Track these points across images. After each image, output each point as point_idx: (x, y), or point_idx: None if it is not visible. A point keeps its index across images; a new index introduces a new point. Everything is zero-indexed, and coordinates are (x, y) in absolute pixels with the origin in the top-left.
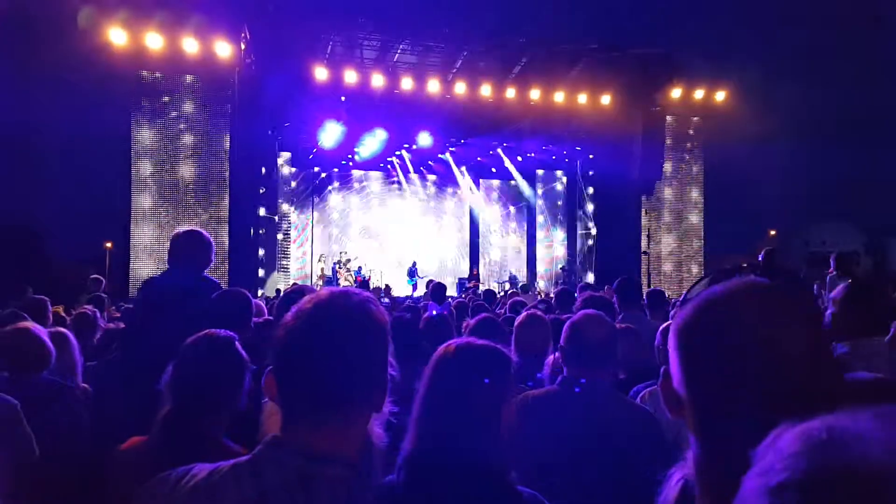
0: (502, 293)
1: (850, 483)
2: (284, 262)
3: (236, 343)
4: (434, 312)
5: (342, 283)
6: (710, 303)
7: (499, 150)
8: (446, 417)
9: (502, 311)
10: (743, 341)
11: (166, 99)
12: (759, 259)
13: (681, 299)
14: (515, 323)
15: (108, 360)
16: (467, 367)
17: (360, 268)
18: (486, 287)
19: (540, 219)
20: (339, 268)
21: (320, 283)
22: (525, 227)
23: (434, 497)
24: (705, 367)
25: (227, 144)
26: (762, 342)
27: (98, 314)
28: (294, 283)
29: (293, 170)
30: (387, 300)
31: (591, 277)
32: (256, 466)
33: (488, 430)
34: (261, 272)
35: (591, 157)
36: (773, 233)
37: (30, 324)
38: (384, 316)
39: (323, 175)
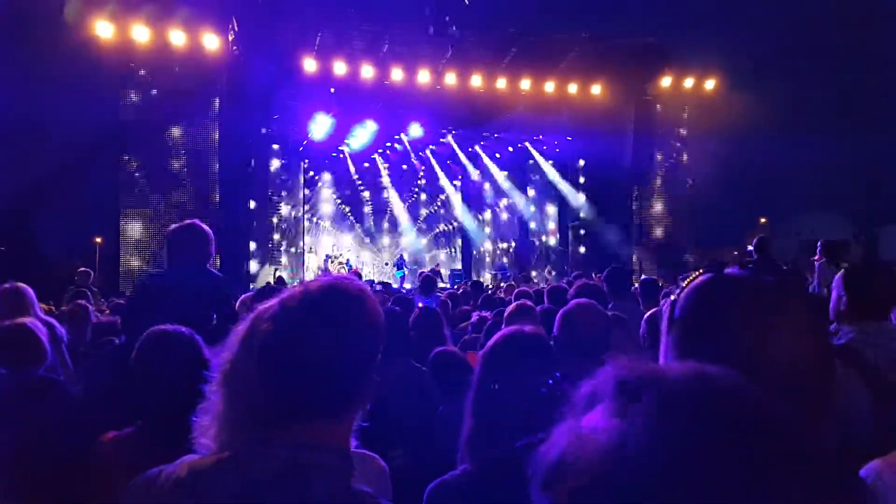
0: (504, 283)
1: None
2: (275, 256)
3: (194, 335)
4: (421, 305)
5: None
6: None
7: (489, 141)
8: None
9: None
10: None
11: (154, 92)
12: (752, 247)
13: (678, 289)
14: (505, 313)
15: (106, 352)
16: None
17: (348, 260)
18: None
19: (532, 209)
20: (331, 261)
21: (318, 273)
22: (516, 218)
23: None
24: (698, 344)
25: (216, 137)
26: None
27: (91, 308)
28: (280, 276)
29: (283, 162)
30: (379, 287)
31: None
32: (240, 460)
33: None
34: (253, 266)
35: (582, 146)
36: (763, 221)
37: (27, 319)
38: (379, 310)
39: (311, 173)
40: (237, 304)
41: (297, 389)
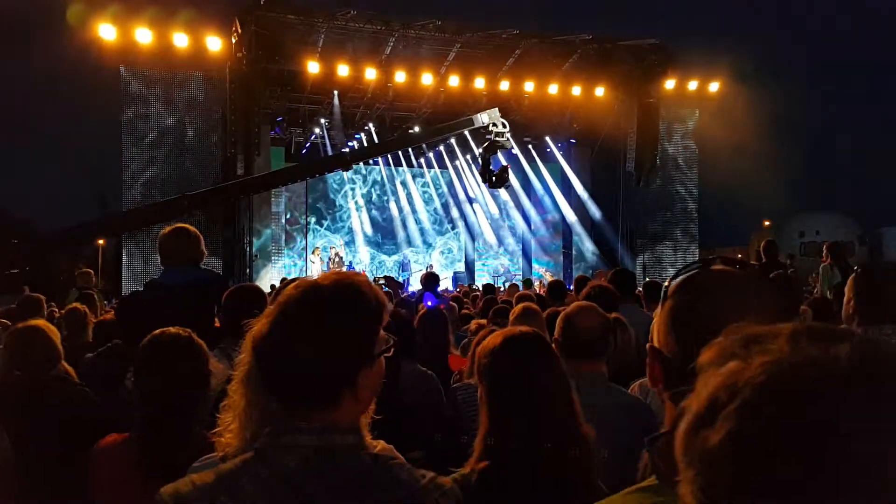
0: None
1: None
2: (277, 256)
3: (194, 338)
4: (429, 304)
5: None
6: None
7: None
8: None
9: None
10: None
11: (157, 94)
12: (761, 250)
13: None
14: (511, 316)
15: (100, 353)
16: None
17: (350, 262)
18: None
19: (534, 215)
20: (332, 262)
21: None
22: (521, 219)
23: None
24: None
25: (220, 139)
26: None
27: (88, 311)
28: (296, 278)
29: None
30: (382, 282)
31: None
32: (266, 455)
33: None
34: (254, 266)
35: (584, 148)
36: (767, 223)
37: (40, 321)
38: (373, 298)
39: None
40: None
41: (298, 381)
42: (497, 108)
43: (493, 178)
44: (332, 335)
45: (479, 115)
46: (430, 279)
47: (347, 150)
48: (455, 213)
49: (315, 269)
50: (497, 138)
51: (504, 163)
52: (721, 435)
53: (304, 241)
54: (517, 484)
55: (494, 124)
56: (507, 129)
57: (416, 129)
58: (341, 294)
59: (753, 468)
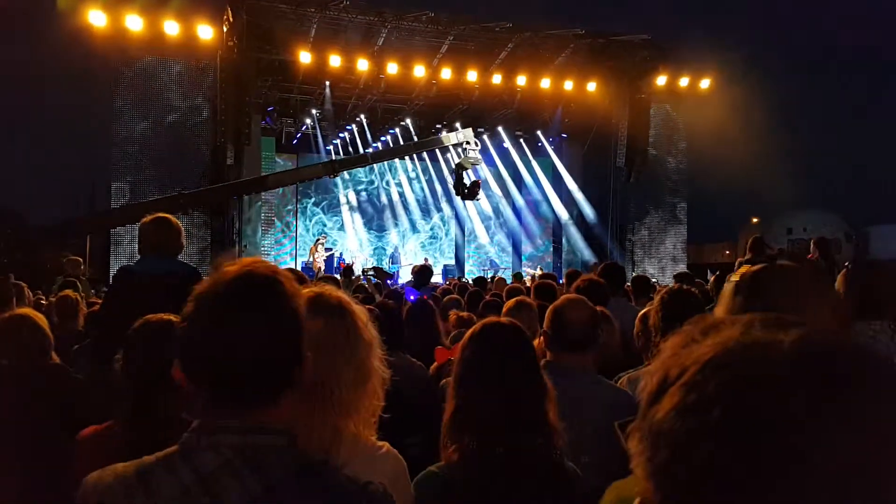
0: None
1: None
2: (266, 248)
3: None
4: (412, 298)
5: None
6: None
7: (484, 136)
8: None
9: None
10: None
11: (147, 82)
12: (747, 246)
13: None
14: (504, 309)
15: (85, 346)
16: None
17: (342, 253)
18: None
19: (525, 209)
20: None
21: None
22: (511, 213)
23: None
24: None
25: (210, 128)
26: None
27: (80, 298)
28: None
29: (280, 155)
30: (371, 272)
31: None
32: (189, 453)
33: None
34: (246, 257)
35: (576, 142)
36: (755, 220)
37: (29, 310)
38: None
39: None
40: None
41: (217, 378)
42: (470, 129)
43: (465, 191)
44: (270, 327)
45: (451, 134)
46: (424, 272)
47: (338, 140)
48: (444, 204)
49: (318, 261)
50: (469, 156)
51: (476, 178)
52: (667, 409)
53: (295, 227)
54: (487, 473)
55: (468, 142)
56: (479, 146)
57: (408, 121)
58: (262, 289)
59: (694, 439)
